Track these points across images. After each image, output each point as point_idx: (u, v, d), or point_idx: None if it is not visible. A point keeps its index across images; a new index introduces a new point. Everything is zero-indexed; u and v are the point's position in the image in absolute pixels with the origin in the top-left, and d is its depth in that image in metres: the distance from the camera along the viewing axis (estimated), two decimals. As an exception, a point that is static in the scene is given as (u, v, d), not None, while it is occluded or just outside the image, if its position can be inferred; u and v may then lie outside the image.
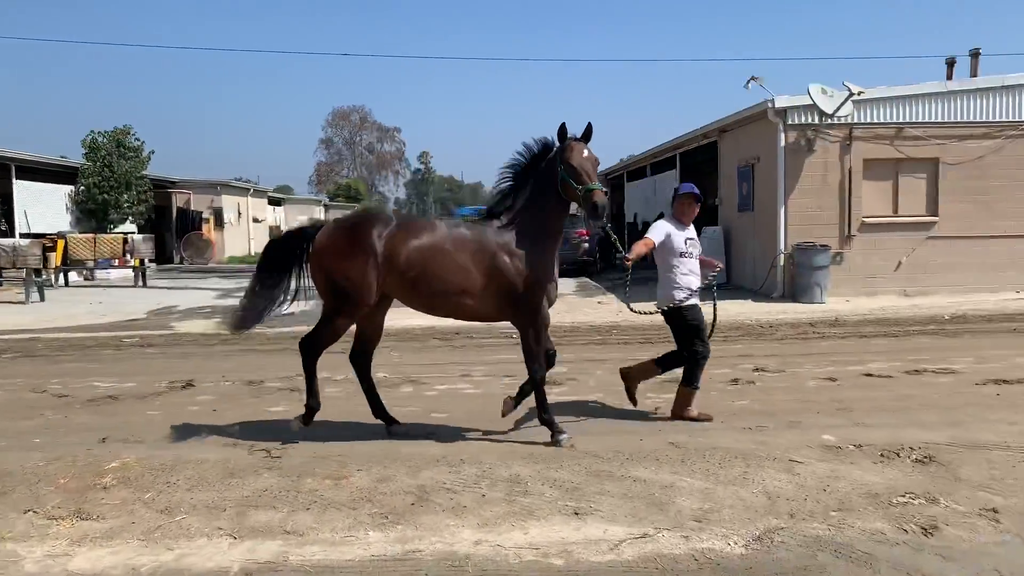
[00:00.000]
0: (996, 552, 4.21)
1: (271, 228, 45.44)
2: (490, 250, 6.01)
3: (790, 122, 15.91)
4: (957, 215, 16.39)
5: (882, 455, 5.68)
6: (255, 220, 41.30)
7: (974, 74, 18.90)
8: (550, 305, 6.33)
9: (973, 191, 16.36)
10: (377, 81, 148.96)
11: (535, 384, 6.20)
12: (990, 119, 16.35)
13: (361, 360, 6.67)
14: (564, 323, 12.83)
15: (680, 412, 6.79)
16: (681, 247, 6.70)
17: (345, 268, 6.02)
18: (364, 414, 6.70)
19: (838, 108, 15.19)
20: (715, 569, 4.04)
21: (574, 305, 15.76)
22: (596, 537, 4.42)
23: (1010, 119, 16.38)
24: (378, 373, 8.87)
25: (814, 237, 15.81)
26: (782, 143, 15.90)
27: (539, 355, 6.19)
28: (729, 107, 17.80)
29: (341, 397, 7.87)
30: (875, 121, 16.10)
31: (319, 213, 57.20)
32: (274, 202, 49.73)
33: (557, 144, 6.09)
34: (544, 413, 6.18)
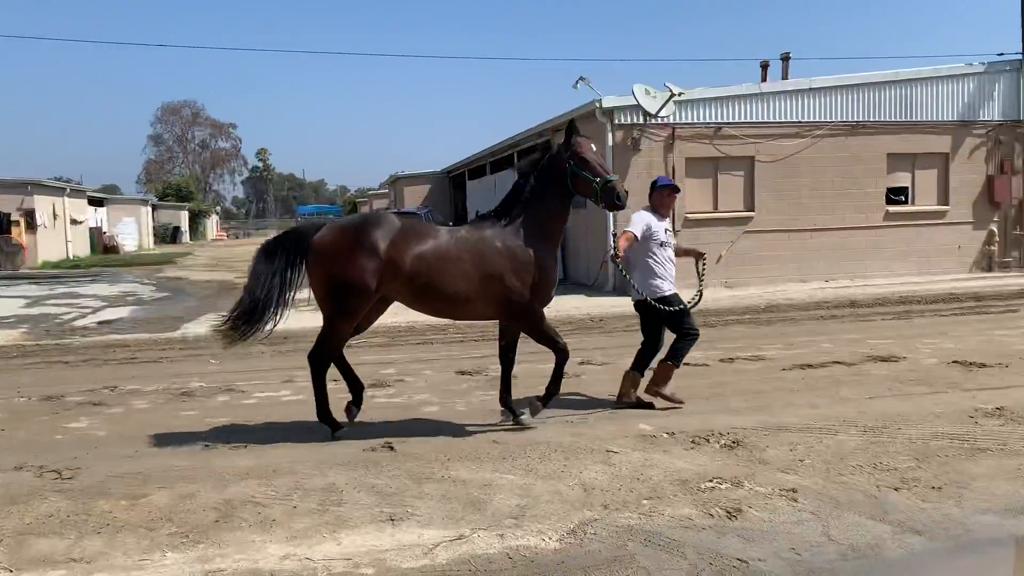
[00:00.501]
0: (793, 531, 4.40)
1: (91, 230, 42.59)
2: (492, 254, 6.06)
3: (617, 122, 16.39)
4: (771, 210, 17.43)
5: (693, 442, 5.87)
6: (74, 222, 38.47)
7: (785, 77, 20.17)
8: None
9: (785, 187, 17.45)
10: (210, 75, 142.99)
11: (559, 358, 6.33)
12: (800, 119, 17.49)
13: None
14: (399, 323, 12.63)
15: (657, 388, 6.89)
16: (661, 237, 6.91)
17: (348, 271, 5.89)
18: (175, 426, 6.29)
19: (661, 108, 15.79)
20: (529, 566, 4.01)
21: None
22: (410, 542, 4.30)
23: (817, 119, 17.57)
24: (191, 383, 8.43)
25: (642, 233, 16.32)
26: (610, 142, 16.35)
27: (554, 336, 6.32)
28: (565, 106, 18.23)
29: (149, 409, 7.36)
30: (696, 121, 16.86)
31: (146, 214, 54.09)
32: (95, 202, 46.53)
33: (555, 142, 6.25)
34: (554, 389, 6.40)
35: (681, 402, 6.93)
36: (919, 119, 18.23)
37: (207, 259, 36.32)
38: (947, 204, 18.71)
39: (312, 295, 6.22)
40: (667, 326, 6.99)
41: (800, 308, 13.82)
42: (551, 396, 6.43)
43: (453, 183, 36.29)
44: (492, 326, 12.03)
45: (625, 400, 7.02)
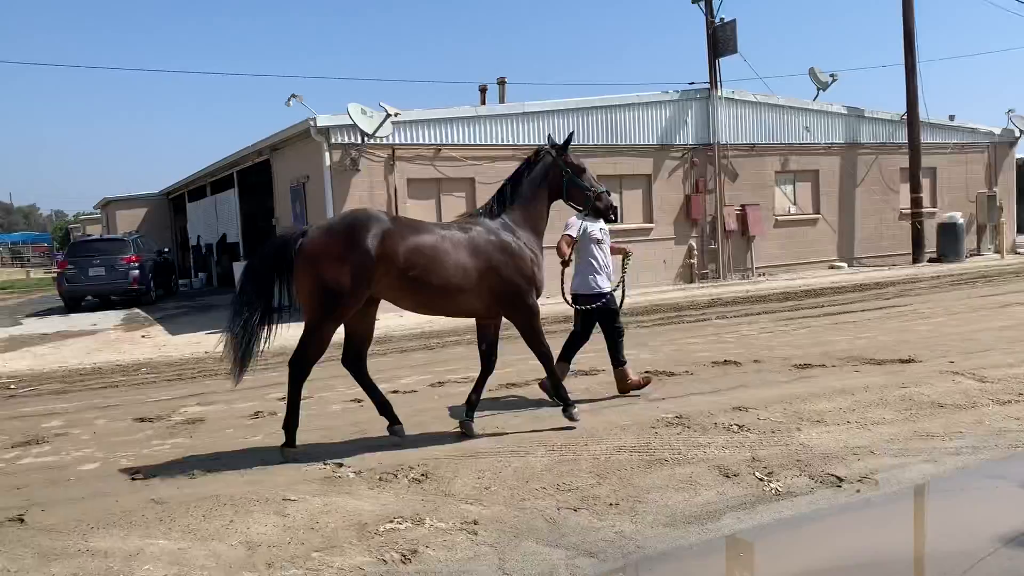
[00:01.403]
0: (468, 568, 4.20)
1: None
2: (488, 247, 6.26)
3: (334, 141, 15.91)
4: (493, 230, 17.74)
5: (381, 478, 5.53)
6: None
7: (502, 100, 20.77)
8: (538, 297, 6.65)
9: (505, 208, 17.82)
10: None
11: (547, 362, 6.71)
12: (516, 142, 17.97)
13: (357, 364, 6.52)
14: (85, 365, 11.26)
15: (625, 387, 7.65)
16: (598, 235, 7.54)
17: (339, 272, 5.81)
18: None
19: (377, 128, 15.53)
20: (161, 652, 3.44)
21: (112, 342, 14.06)
22: (16, 641, 3.56)
23: (532, 142, 18.14)
24: None
25: (365, 255, 15.95)
26: (328, 162, 15.84)
27: (542, 337, 6.63)
28: (283, 123, 17.54)
29: None
30: (416, 142, 16.79)
31: None
32: None
33: (546, 149, 6.78)
34: (561, 391, 6.82)
35: (649, 380, 7.85)
36: (624, 142, 19.47)
37: None
38: (652, 222, 20.13)
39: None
40: (600, 323, 7.67)
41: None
42: (558, 392, 6.84)
43: (174, 206, 33.83)
44: (197, 366, 11.03)
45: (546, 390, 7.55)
